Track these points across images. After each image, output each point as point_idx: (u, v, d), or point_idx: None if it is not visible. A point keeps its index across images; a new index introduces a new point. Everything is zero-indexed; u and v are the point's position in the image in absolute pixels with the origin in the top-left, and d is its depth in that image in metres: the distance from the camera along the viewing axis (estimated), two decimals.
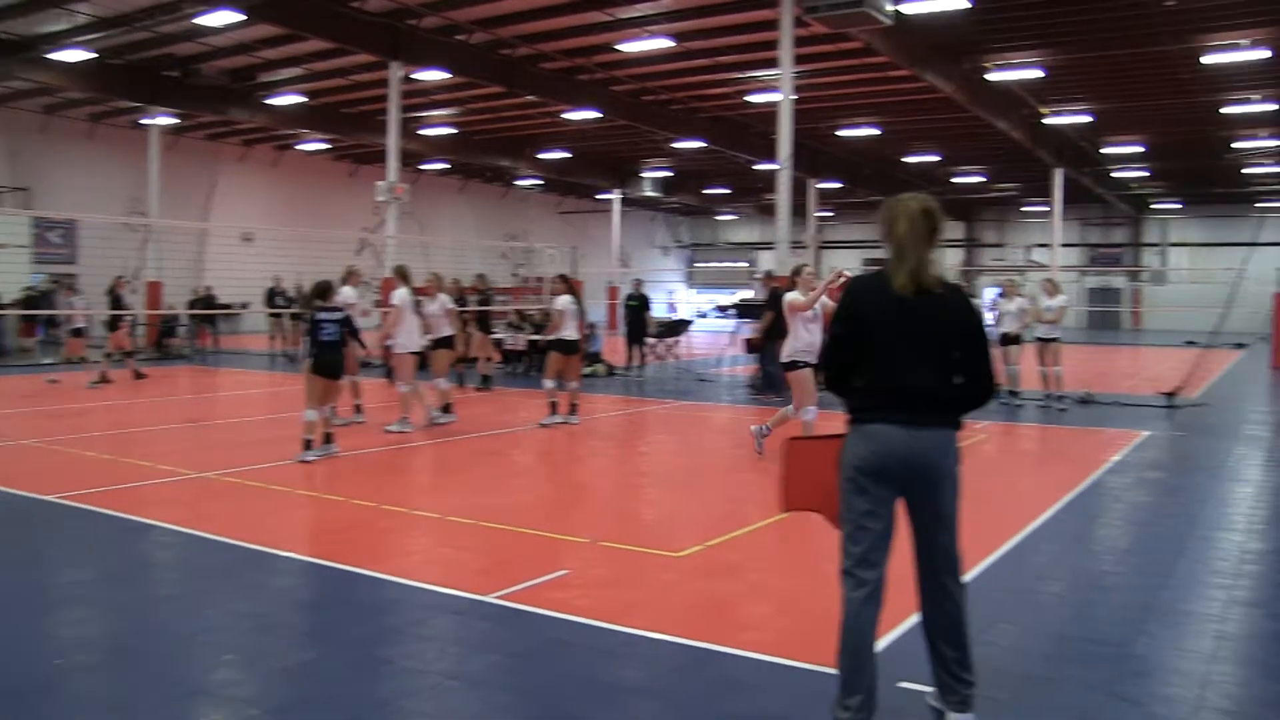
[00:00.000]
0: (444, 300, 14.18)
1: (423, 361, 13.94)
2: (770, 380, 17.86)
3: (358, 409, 13.85)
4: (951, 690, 4.29)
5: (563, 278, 15.20)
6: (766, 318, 17.50)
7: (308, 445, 10.86)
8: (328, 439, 11.21)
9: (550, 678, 5.02)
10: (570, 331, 14.16)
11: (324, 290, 11.60)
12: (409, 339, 13.17)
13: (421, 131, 33.90)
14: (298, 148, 38.58)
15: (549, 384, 14.13)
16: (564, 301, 14.20)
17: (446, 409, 13.89)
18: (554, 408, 14.01)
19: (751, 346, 18.03)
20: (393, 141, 24.03)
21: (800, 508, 4.73)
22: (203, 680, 4.97)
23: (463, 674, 5.08)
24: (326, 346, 11.15)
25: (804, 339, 10.60)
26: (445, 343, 14.13)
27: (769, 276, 18.43)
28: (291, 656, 5.35)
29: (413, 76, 25.01)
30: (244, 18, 20.24)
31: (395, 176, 23.80)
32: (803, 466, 4.60)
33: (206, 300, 28.80)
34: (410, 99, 27.63)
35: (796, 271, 11.37)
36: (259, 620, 5.86)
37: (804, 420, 10.69)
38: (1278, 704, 4.85)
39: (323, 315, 11.23)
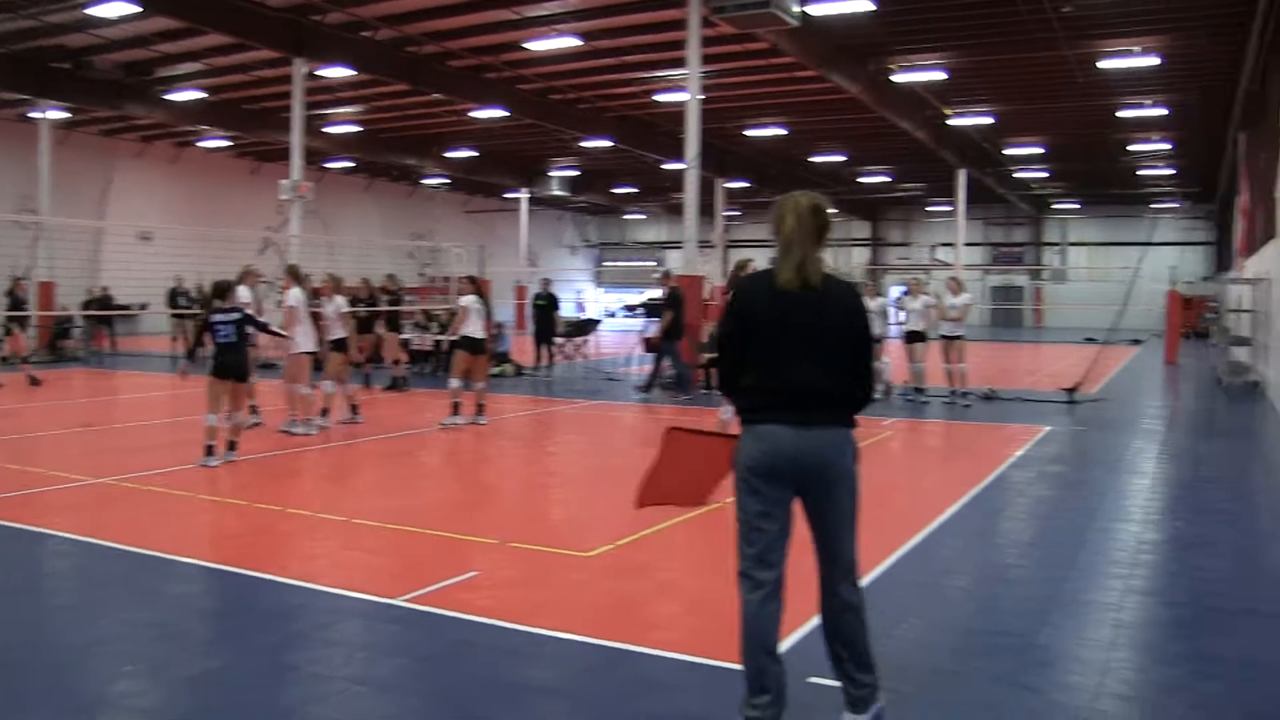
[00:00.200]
0: (339, 302, 13.99)
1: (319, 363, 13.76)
2: (683, 379, 17.93)
3: (253, 409, 13.64)
4: (848, 690, 4.30)
5: (470, 278, 15.10)
6: (667, 317, 17.56)
7: (209, 451, 10.65)
8: (231, 445, 10.96)
9: (459, 680, 4.98)
10: (476, 330, 14.07)
11: (222, 291, 11.37)
12: (304, 339, 12.96)
13: (326, 129, 33.42)
14: (198, 144, 37.72)
15: (454, 383, 14.01)
16: (469, 300, 14.12)
17: (354, 409, 13.72)
18: (456, 408, 13.87)
19: (650, 346, 17.99)
20: (296, 139, 23.65)
21: (656, 502, 4.71)
22: (101, 692, 4.84)
23: (370, 678, 5.01)
24: (223, 348, 10.94)
25: None
26: (338, 345, 13.94)
27: (667, 276, 18.46)
28: (195, 665, 5.23)
29: (317, 73, 24.66)
30: (139, 9, 19.74)
31: (299, 175, 23.43)
32: (678, 458, 4.56)
33: (103, 301, 28.06)
34: (314, 96, 27.22)
35: (741, 267, 11.30)
36: (160, 629, 5.72)
37: (721, 417, 10.69)
38: (1173, 688, 4.98)
39: (218, 317, 11.02)
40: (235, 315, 11.13)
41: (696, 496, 4.53)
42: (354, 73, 24.50)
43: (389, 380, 18.84)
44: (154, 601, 6.24)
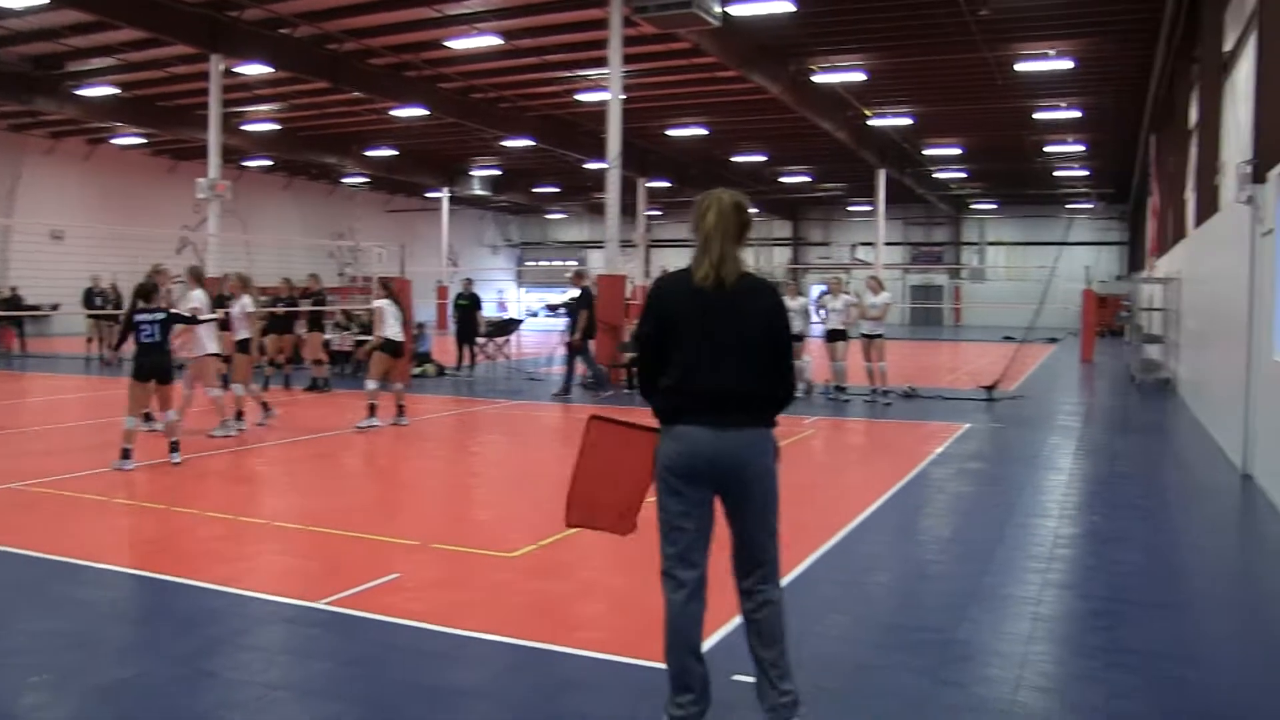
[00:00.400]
0: (245, 303, 13.74)
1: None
2: (599, 378, 17.90)
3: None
4: (768, 699, 4.25)
5: (382, 280, 14.94)
6: (582, 317, 17.54)
7: (125, 454, 10.43)
8: (173, 447, 10.79)
9: (382, 683, 4.92)
10: (394, 332, 13.94)
11: (147, 292, 11.15)
12: (209, 341, 12.69)
13: (244, 127, 32.95)
14: (112, 141, 37.00)
15: (371, 385, 13.81)
16: (383, 303, 13.99)
17: (266, 408, 13.62)
18: (373, 410, 13.66)
19: (573, 349, 17.91)
20: (213, 137, 23.27)
21: (585, 521, 4.60)
22: (8, 705, 4.68)
23: (291, 683, 4.94)
24: (146, 349, 10.73)
25: None
26: (243, 346, 13.71)
27: (579, 275, 18.44)
28: (108, 674, 5.10)
29: (234, 70, 24.30)
30: (48, 1, 19.29)
31: (217, 173, 23.06)
32: (601, 449, 4.48)
33: (11, 301, 27.37)
34: (232, 93, 26.83)
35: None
36: (71, 638, 5.57)
37: None
38: (1089, 678, 5.06)
39: (142, 316, 10.80)
40: (160, 315, 10.92)
41: (624, 508, 4.45)
42: (272, 70, 24.19)
43: (309, 381, 18.62)
44: (65, 609, 6.09)
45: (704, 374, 4.13)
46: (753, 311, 4.20)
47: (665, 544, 4.23)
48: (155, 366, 10.75)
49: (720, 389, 4.13)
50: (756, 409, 4.21)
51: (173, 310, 11.36)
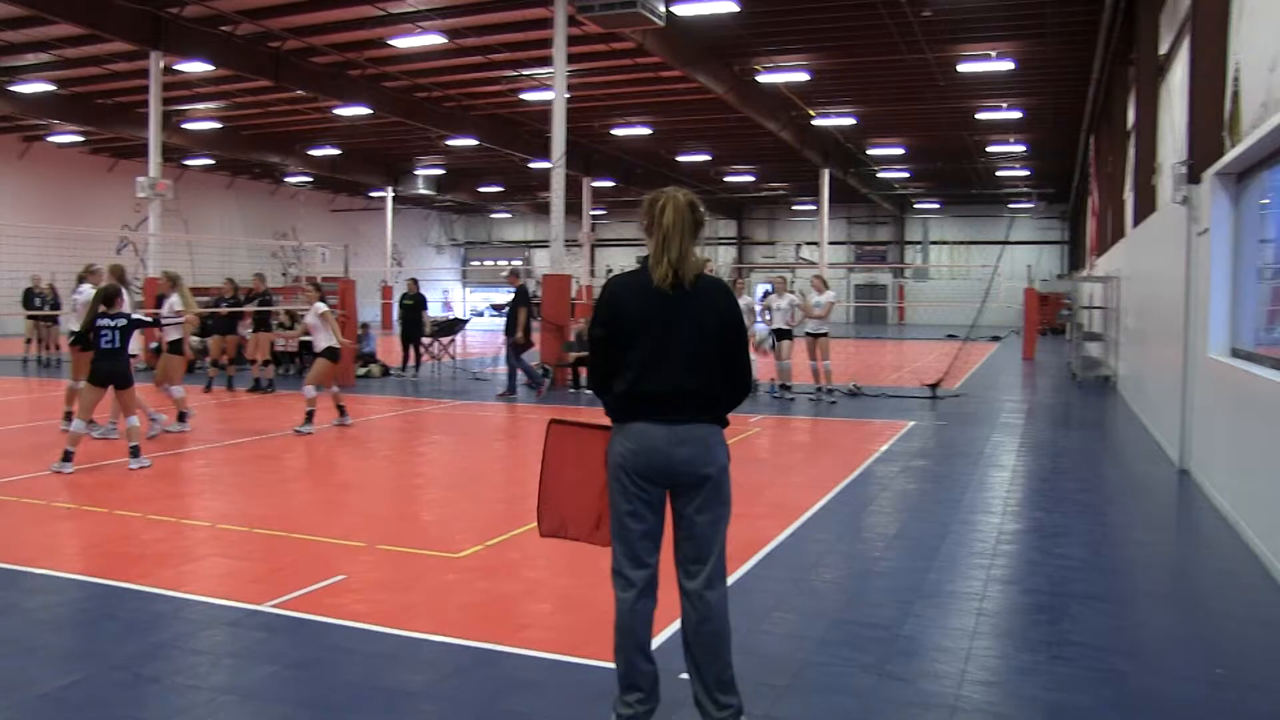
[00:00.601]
0: (173, 303, 13.54)
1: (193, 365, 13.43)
2: (532, 374, 17.83)
3: (309, 418, 13.52)
4: (708, 713, 4.18)
5: (313, 282, 14.73)
6: (521, 315, 17.51)
7: (67, 456, 10.32)
8: (133, 452, 10.68)
9: (329, 686, 4.90)
10: (333, 339, 13.71)
11: (109, 296, 11.04)
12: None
13: (185, 125, 32.59)
14: (49, 139, 36.41)
15: (311, 390, 13.59)
16: (324, 306, 13.79)
17: (182, 417, 13.37)
18: (310, 416, 13.44)
19: (519, 347, 17.86)
20: (154, 135, 23.00)
21: (557, 531, 4.56)
22: None
23: (237, 687, 4.89)
24: (103, 354, 10.70)
25: None
26: (174, 348, 13.52)
27: (515, 275, 18.41)
28: (48, 682, 5.01)
29: (175, 68, 24.02)
30: None
31: (157, 172, 22.80)
32: (564, 453, 4.48)
33: None
34: (172, 91, 26.54)
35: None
36: (11, 645, 5.48)
37: None
38: (1032, 671, 5.13)
39: (103, 322, 10.76)
40: (121, 320, 10.86)
41: (598, 517, 4.43)
42: (213, 68, 23.94)
43: (252, 382, 18.46)
44: (4, 616, 5.99)
45: (660, 373, 4.13)
46: (710, 310, 4.20)
47: (616, 542, 4.23)
48: (113, 372, 10.70)
49: (675, 387, 4.12)
50: (710, 407, 4.21)
51: (135, 316, 11.29)
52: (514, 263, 41.03)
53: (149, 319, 11.71)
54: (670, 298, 4.14)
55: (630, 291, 4.24)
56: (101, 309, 10.85)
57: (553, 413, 14.91)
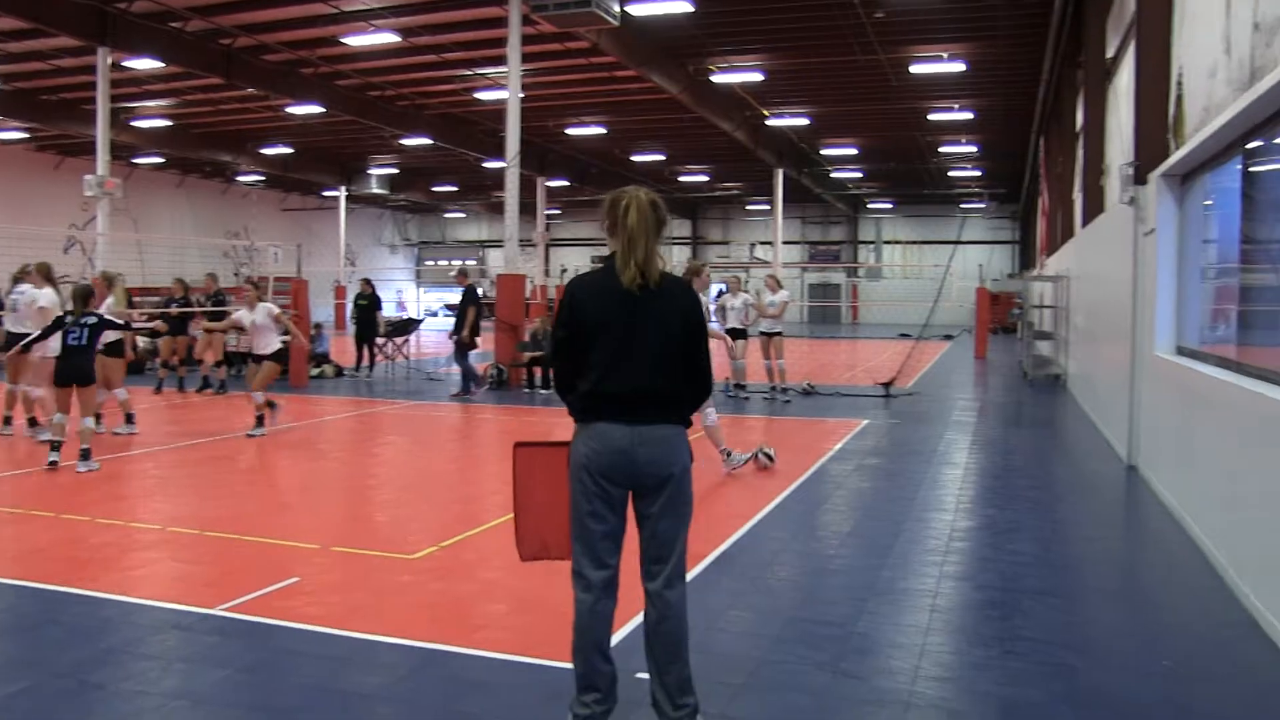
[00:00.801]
0: (109, 303, 13.34)
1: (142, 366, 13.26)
2: (471, 376, 17.73)
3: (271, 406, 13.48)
4: (666, 713, 4.19)
5: (251, 282, 14.51)
6: (470, 314, 17.46)
7: (55, 447, 10.64)
8: (84, 455, 10.62)
9: (283, 689, 4.86)
10: (274, 343, 13.48)
11: (86, 296, 11.06)
12: (57, 343, 12.31)
13: (134, 123, 32.17)
14: None
15: (260, 396, 13.28)
16: (272, 307, 13.60)
17: (129, 419, 13.23)
18: (261, 420, 13.21)
19: (466, 347, 17.83)
20: (102, 133, 22.64)
21: (536, 553, 4.52)
22: None
23: (189, 692, 4.84)
24: (70, 351, 10.74)
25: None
26: (113, 349, 13.22)
27: (463, 275, 18.36)
28: None
29: (123, 64, 23.72)
30: None
31: (105, 170, 22.47)
32: (533, 475, 4.46)
33: None
34: (121, 88, 26.22)
35: (696, 272, 10.69)
36: None
37: (705, 425, 10.51)
38: (985, 666, 5.18)
39: (72, 319, 10.83)
40: (91, 319, 10.88)
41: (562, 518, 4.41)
42: (163, 64, 23.64)
43: (201, 382, 18.29)
44: None
45: (623, 373, 4.13)
46: (674, 310, 4.21)
47: (576, 543, 4.22)
48: (78, 370, 10.72)
49: (639, 388, 4.13)
50: (673, 407, 4.23)
51: (106, 316, 11.32)
52: (464, 262, 40.84)
53: (121, 321, 11.63)
54: (635, 298, 4.14)
55: (592, 292, 4.22)
56: (77, 308, 10.94)
57: (508, 413, 14.88)
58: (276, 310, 13.58)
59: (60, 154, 38.52)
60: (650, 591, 4.23)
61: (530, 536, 4.50)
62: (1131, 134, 11.45)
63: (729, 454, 10.60)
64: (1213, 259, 9.14)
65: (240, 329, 14.15)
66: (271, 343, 13.45)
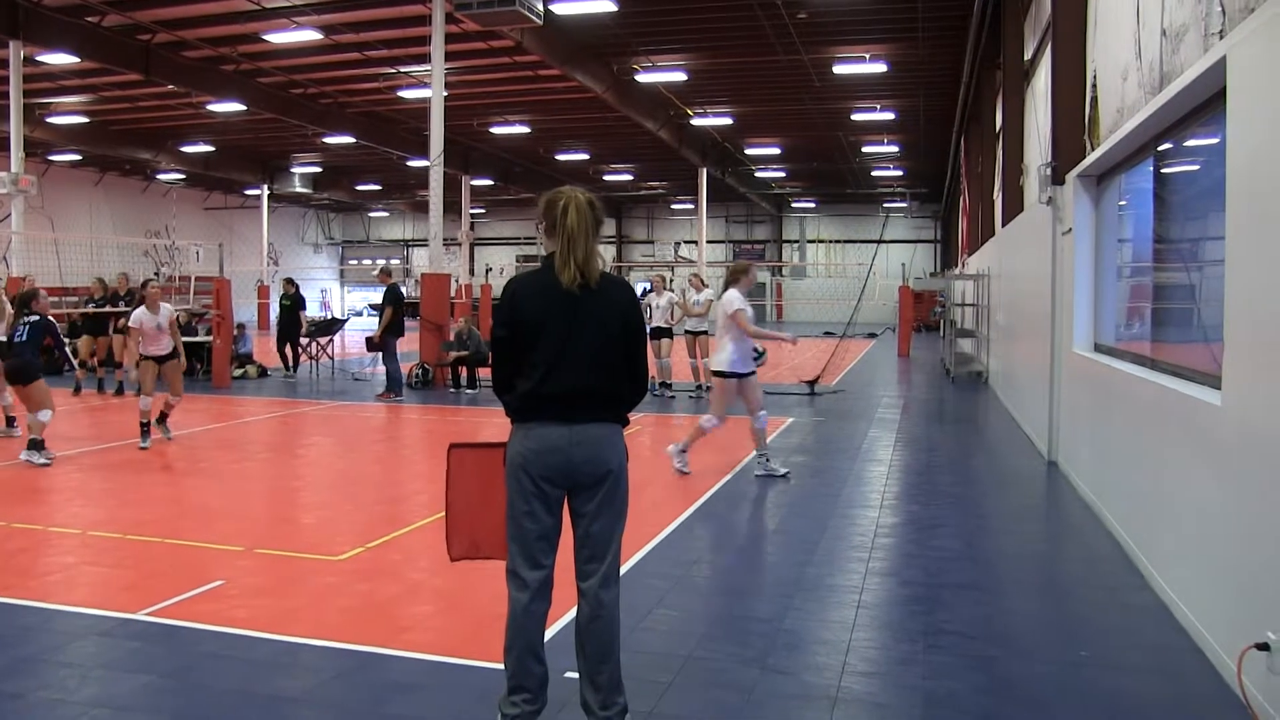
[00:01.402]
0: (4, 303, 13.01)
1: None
2: (394, 380, 17.52)
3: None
4: (595, 714, 4.19)
5: (145, 283, 13.84)
6: (388, 314, 17.36)
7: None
8: (34, 445, 10.84)
9: (207, 694, 4.81)
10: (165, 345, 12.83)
11: (27, 299, 11.29)
12: None
13: (50, 119, 31.49)
14: None
15: (147, 401, 12.48)
16: (168, 312, 12.88)
17: (10, 423, 13.00)
18: (147, 429, 12.42)
19: (372, 346, 17.77)
20: (15, 129, 22.14)
21: (467, 553, 4.48)
22: None
23: (109, 700, 4.76)
24: (10, 349, 11.07)
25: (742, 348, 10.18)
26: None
27: (386, 274, 18.26)
28: None
29: (37, 59, 23.22)
30: None
31: (19, 167, 21.98)
32: (466, 476, 4.44)
33: None
34: (35, 83, 25.65)
35: (744, 270, 10.36)
36: None
37: (755, 427, 10.38)
38: (910, 660, 5.26)
39: (20, 320, 11.14)
40: (35, 318, 11.08)
41: (505, 530, 4.39)
42: (78, 60, 23.17)
43: (118, 385, 17.99)
44: None
45: (563, 373, 4.12)
46: (614, 309, 4.22)
47: (512, 542, 4.21)
48: (20, 368, 10.89)
49: (578, 387, 4.13)
50: (612, 406, 4.24)
51: (48, 318, 11.41)
52: (388, 261, 40.47)
53: (54, 325, 11.53)
54: (574, 298, 4.14)
55: (532, 291, 4.21)
56: (23, 310, 11.17)
57: (433, 413, 14.82)
58: (174, 313, 13.05)
59: None
60: (584, 591, 4.22)
61: (461, 537, 4.47)
62: (1049, 135, 11.66)
63: (767, 459, 10.46)
64: (1128, 258, 9.35)
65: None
66: (168, 344, 12.77)
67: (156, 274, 35.35)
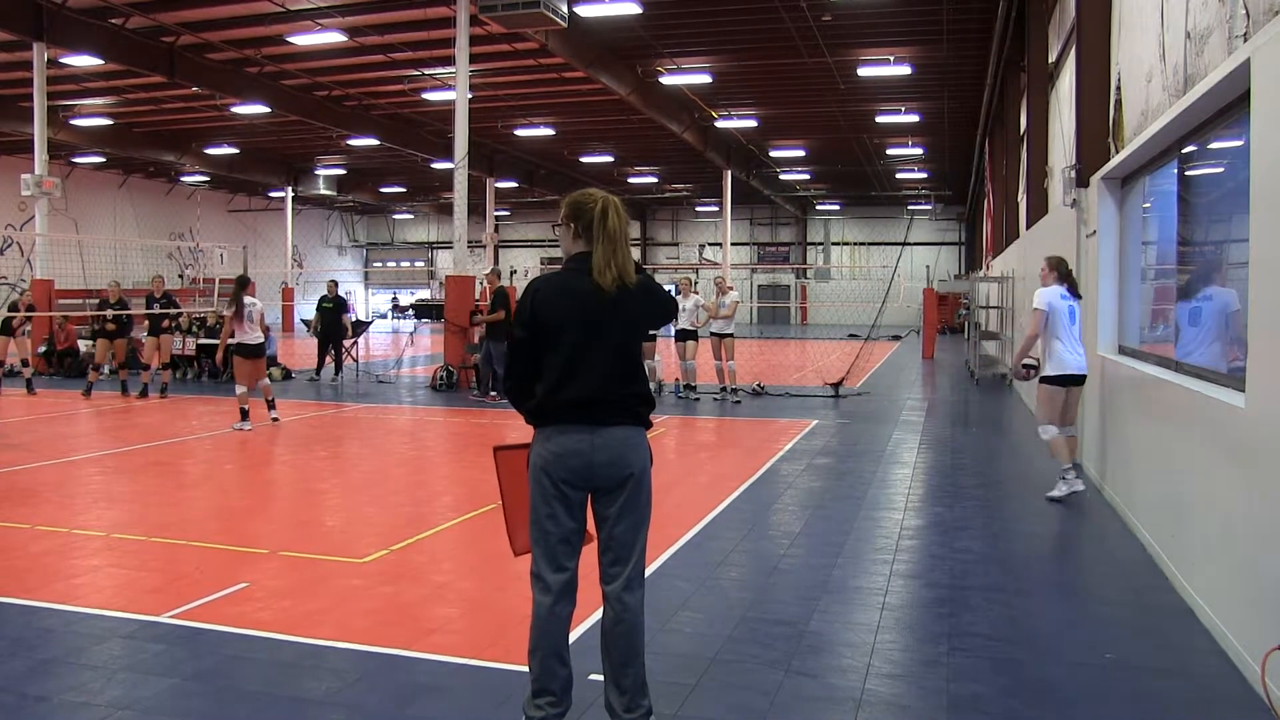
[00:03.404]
0: None
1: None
2: (484, 379, 17.53)
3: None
4: (620, 716, 4.19)
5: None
6: (499, 316, 17.11)
7: None
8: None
9: (231, 697, 4.81)
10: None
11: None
12: None
13: (74, 121, 31.69)
14: None
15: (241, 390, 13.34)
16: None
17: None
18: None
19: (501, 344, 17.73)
20: (39, 131, 22.32)
21: (524, 530, 4.37)
22: None
23: (134, 702, 4.77)
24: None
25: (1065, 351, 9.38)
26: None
27: (495, 274, 18.23)
28: None
29: (61, 61, 23.38)
30: None
31: (43, 169, 22.15)
32: (517, 476, 4.36)
33: None
34: (59, 85, 25.83)
35: (1063, 266, 9.53)
36: None
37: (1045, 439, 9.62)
38: (934, 663, 5.24)
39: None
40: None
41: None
42: (102, 62, 23.33)
43: (141, 387, 18.03)
44: None
45: (584, 376, 4.10)
46: (636, 313, 4.21)
47: (534, 546, 4.20)
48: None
49: (600, 390, 4.12)
50: (634, 409, 4.21)
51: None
52: (495, 265, 40.55)
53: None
54: (614, 298, 4.11)
55: (562, 294, 4.17)
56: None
57: (458, 415, 14.83)
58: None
59: None
60: (609, 594, 4.21)
61: (521, 531, 4.42)
62: (1073, 137, 11.60)
63: (1065, 476, 9.48)
64: (1152, 260, 9.28)
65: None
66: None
67: (181, 276, 35.62)
